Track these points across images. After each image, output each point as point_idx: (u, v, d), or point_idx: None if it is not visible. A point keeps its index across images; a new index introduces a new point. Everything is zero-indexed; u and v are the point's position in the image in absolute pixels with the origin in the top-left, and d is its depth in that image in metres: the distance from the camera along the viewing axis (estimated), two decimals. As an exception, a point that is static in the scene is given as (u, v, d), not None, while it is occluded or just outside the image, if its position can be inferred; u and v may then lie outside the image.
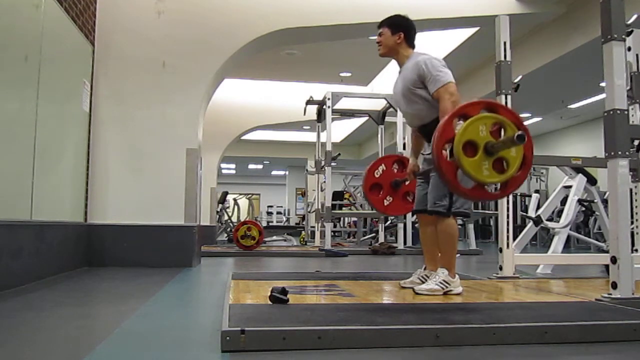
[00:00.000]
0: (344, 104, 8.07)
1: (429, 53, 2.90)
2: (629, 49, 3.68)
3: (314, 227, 9.64)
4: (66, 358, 1.63)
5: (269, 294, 2.25)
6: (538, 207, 5.32)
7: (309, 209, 12.21)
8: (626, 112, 2.56)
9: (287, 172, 22.00)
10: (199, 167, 4.82)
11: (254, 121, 11.07)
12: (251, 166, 22.30)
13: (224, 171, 20.83)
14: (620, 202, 2.52)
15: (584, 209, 5.87)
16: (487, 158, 2.21)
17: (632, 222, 3.61)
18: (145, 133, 4.63)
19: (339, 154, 8.74)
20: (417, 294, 2.68)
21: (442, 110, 2.69)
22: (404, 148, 7.40)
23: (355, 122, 13.30)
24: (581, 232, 8.71)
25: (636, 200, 3.71)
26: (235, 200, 12.51)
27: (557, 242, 4.59)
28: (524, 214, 5.55)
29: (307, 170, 13.32)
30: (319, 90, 9.07)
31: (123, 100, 4.64)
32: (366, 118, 9.29)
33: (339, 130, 14.18)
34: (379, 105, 8.65)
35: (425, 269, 2.96)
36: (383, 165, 3.41)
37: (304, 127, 13.34)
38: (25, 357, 1.60)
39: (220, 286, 3.19)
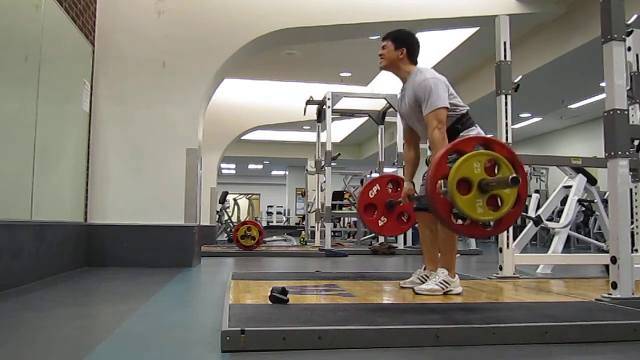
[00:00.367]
0: (344, 104, 8.06)
1: (428, 69, 2.88)
2: (629, 49, 3.68)
3: (314, 227, 9.64)
4: (66, 358, 1.63)
5: (269, 294, 2.25)
6: (538, 207, 5.32)
7: (309, 209, 12.21)
8: (626, 112, 2.56)
9: (287, 172, 22.00)
10: (199, 167, 4.82)
11: (254, 121, 11.07)
12: (251, 166, 22.30)
13: (224, 171, 20.84)
14: (620, 202, 2.52)
15: (584, 209, 5.86)
16: (481, 195, 2.20)
17: (632, 222, 3.61)
18: (145, 133, 4.63)
19: (339, 154, 8.74)
20: (417, 294, 2.68)
21: (430, 138, 2.72)
22: (404, 148, 7.39)
23: (355, 122, 13.30)
24: (581, 232, 8.71)
25: (636, 200, 3.71)
26: (235, 200, 12.51)
27: (557, 242, 4.59)
28: (524, 214, 5.54)
29: (307, 170, 13.32)
30: (319, 90, 9.07)
31: (123, 100, 4.64)
32: (366, 118, 9.29)
33: (339, 130, 14.18)
34: (379, 105, 8.65)
35: (425, 269, 2.96)
36: (377, 185, 3.42)
37: (304, 127, 13.34)
38: (25, 357, 1.60)
39: (220, 286, 3.19)
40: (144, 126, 4.63)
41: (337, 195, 11.33)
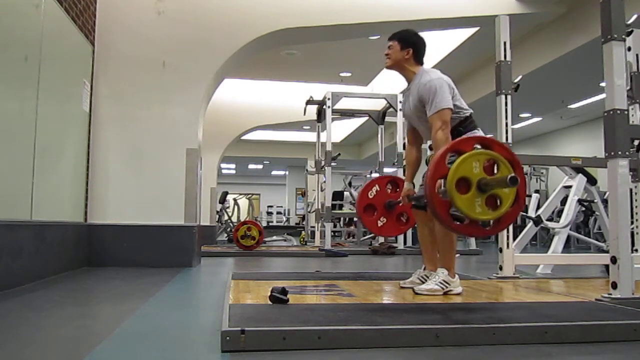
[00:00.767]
0: (344, 104, 8.06)
1: (434, 70, 2.88)
2: (629, 49, 3.68)
3: (314, 227, 9.64)
4: (66, 358, 1.63)
5: (269, 294, 2.25)
6: (538, 207, 5.32)
7: (309, 209, 12.21)
8: (626, 112, 2.56)
9: (287, 172, 22.00)
10: (199, 167, 4.82)
11: (254, 121, 11.07)
12: (251, 166, 22.30)
13: (224, 171, 20.84)
14: (620, 202, 2.52)
15: (584, 209, 5.86)
16: (480, 195, 2.21)
17: (632, 222, 3.61)
18: (145, 133, 4.63)
19: (339, 154, 8.74)
20: (417, 294, 2.68)
21: (433, 139, 2.72)
22: (404, 148, 7.40)
23: (355, 122, 13.30)
24: (581, 232, 8.71)
25: (636, 200, 3.71)
26: (235, 200, 12.51)
27: (557, 242, 4.59)
28: (524, 214, 5.54)
29: (307, 170, 13.32)
30: (319, 90, 9.07)
31: (123, 100, 4.64)
32: (366, 118, 9.29)
33: (339, 130, 14.17)
34: (379, 105, 8.65)
35: (424, 269, 2.97)
36: (377, 186, 3.42)
37: (304, 127, 13.34)
38: (25, 357, 1.59)
39: (220, 286, 3.19)
40: (144, 126, 4.63)
41: (337, 195, 11.33)
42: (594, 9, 4.22)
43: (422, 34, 2.99)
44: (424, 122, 2.83)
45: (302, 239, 10.51)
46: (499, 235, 3.79)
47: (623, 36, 2.57)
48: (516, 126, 11.69)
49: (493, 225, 2.33)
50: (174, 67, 4.72)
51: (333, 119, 7.93)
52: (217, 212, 11.09)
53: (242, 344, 1.61)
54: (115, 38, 4.66)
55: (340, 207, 11.50)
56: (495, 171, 2.27)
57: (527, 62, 7.51)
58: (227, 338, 1.62)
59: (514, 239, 3.92)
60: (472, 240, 7.81)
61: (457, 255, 2.93)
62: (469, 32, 7.48)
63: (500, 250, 3.70)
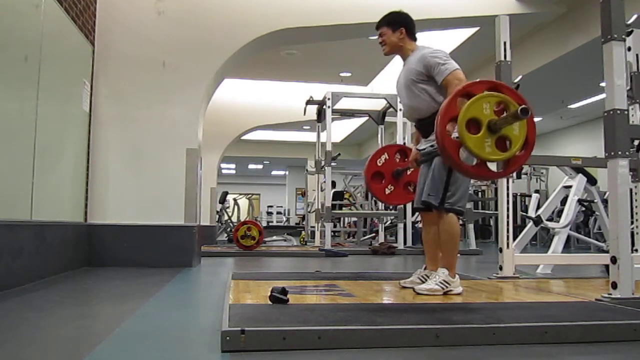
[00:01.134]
0: (344, 104, 8.06)
1: (432, 46, 2.91)
2: (629, 49, 3.68)
3: (314, 227, 9.64)
4: (66, 358, 1.63)
5: (269, 294, 2.25)
6: (538, 207, 5.32)
7: (309, 209, 12.21)
8: (626, 112, 2.56)
9: (287, 172, 22.00)
10: (199, 167, 4.82)
11: (254, 121, 11.07)
12: (251, 166, 22.30)
13: (224, 171, 20.84)
14: (620, 202, 2.52)
15: (584, 209, 5.86)
16: (490, 136, 2.22)
17: (632, 222, 3.61)
18: (145, 133, 4.63)
19: (339, 154, 8.74)
20: (417, 293, 2.68)
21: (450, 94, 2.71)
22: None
23: (355, 122, 13.30)
24: (581, 232, 8.71)
25: (636, 200, 3.71)
26: (235, 200, 12.51)
27: (557, 242, 4.59)
28: (524, 214, 5.55)
29: (307, 170, 13.31)
30: (319, 90, 9.07)
31: (123, 100, 4.64)
32: (366, 118, 9.28)
33: (339, 130, 14.18)
34: (379, 105, 8.65)
35: (425, 268, 2.97)
36: (386, 154, 3.41)
37: (304, 127, 13.34)
38: (25, 357, 1.59)
39: (220, 286, 3.19)
40: (144, 126, 4.63)
41: (337, 195, 11.33)
42: (594, 9, 4.22)
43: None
44: (414, 97, 2.84)
45: (302, 239, 10.52)
46: (499, 236, 3.79)
47: (623, 36, 2.57)
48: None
49: (502, 166, 2.34)
50: (174, 67, 4.72)
51: (333, 119, 7.93)
52: (217, 212, 11.09)
53: (242, 344, 1.61)
54: (115, 38, 4.66)
55: (341, 207, 11.50)
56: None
57: (527, 62, 7.51)
58: (227, 338, 1.62)
59: (514, 239, 3.92)
60: (472, 240, 7.82)
61: (458, 255, 2.93)
62: (469, 32, 7.48)
63: (500, 250, 3.70)
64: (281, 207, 22.52)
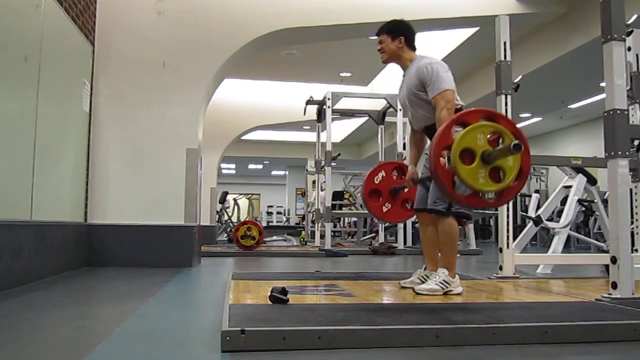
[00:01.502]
0: (344, 104, 8.06)
1: (431, 56, 2.91)
2: (629, 49, 3.68)
3: (314, 227, 9.64)
4: (66, 358, 1.63)
5: (269, 294, 2.25)
6: (538, 207, 5.32)
7: (309, 209, 12.21)
8: (626, 112, 2.56)
9: (287, 172, 22.00)
10: (199, 167, 4.82)
11: (254, 121, 11.07)
12: (251, 166, 22.29)
13: (224, 171, 20.83)
14: (620, 202, 2.52)
15: (584, 209, 5.86)
16: (483, 166, 2.21)
17: (632, 222, 3.61)
18: (145, 133, 4.63)
19: (339, 154, 8.74)
20: (417, 294, 2.68)
21: (437, 118, 2.72)
22: (404, 148, 7.40)
23: (355, 122, 13.30)
24: (581, 232, 8.71)
25: (636, 200, 3.71)
26: (235, 200, 12.51)
27: (557, 242, 4.59)
28: (524, 214, 5.55)
29: (307, 170, 13.31)
30: (319, 90, 9.07)
31: (123, 100, 4.64)
32: (366, 118, 9.29)
33: (339, 130, 14.17)
34: (379, 105, 8.65)
35: (425, 269, 2.97)
36: (383, 171, 3.42)
37: (304, 127, 13.33)
38: (25, 357, 1.59)
39: (220, 286, 3.19)
40: (144, 126, 4.63)
41: (337, 195, 11.32)
42: (594, 9, 4.22)
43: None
44: (418, 108, 2.84)
45: (302, 239, 10.52)
46: (499, 236, 3.79)
47: (623, 36, 2.57)
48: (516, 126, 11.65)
49: (496, 197, 2.34)
50: (174, 67, 4.72)
51: (333, 119, 7.93)
52: (217, 212, 11.09)
53: (242, 344, 1.61)
54: (115, 38, 4.66)
55: (340, 207, 11.49)
56: (500, 144, 2.27)
57: (527, 62, 7.51)
58: (227, 338, 1.62)
59: (514, 239, 3.92)
60: (472, 240, 7.82)
61: (458, 255, 2.93)
62: (469, 32, 7.48)
63: (500, 250, 3.70)
64: (281, 207, 22.52)
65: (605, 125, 2.58)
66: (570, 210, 4.76)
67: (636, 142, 3.57)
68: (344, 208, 11.69)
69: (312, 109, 8.70)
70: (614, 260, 2.50)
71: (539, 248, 9.07)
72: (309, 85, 10.04)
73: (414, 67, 2.87)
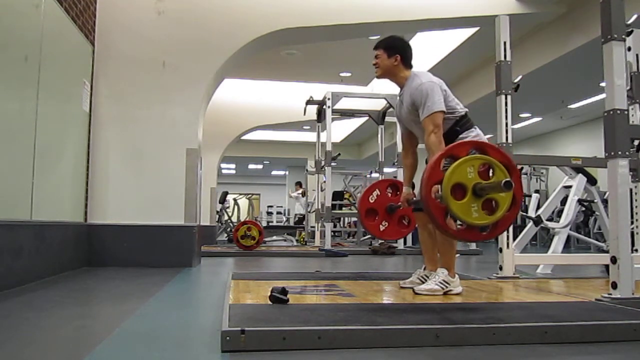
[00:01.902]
0: (344, 104, 8.07)
1: (424, 73, 2.88)
2: (629, 49, 3.68)
3: (314, 227, 9.64)
4: (66, 358, 1.63)
5: (269, 294, 2.25)
6: (538, 207, 5.32)
7: (309, 209, 12.21)
8: (626, 112, 2.56)
9: (287, 172, 21.99)
10: (199, 167, 4.82)
11: (254, 121, 11.07)
12: (251, 166, 22.29)
13: (224, 171, 20.83)
14: (620, 202, 2.52)
15: (584, 209, 5.86)
16: (475, 200, 2.20)
17: (632, 222, 3.61)
18: (145, 133, 4.63)
19: (339, 154, 8.74)
20: (417, 294, 2.68)
21: (425, 143, 2.74)
22: (402, 154, 7.39)
23: (355, 122, 13.30)
24: (581, 232, 8.71)
25: (636, 200, 3.71)
26: (235, 200, 12.51)
27: (557, 242, 4.59)
28: (524, 214, 5.55)
29: (307, 170, 13.31)
30: (319, 90, 9.07)
31: (123, 100, 4.64)
32: (366, 118, 9.29)
33: (339, 130, 14.18)
34: (379, 105, 8.65)
35: (425, 269, 2.97)
36: (377, 190, 3.42)
37: (304, 127, 13.33)
38: (25, 357, 1.59)
39: (220, 286, 3.19)
40: (144, 126, 4.63)
41: (337, 195, 11.33)
42: (594, 9, 4.22)
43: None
44: (418, 124, 2.83)
45: (302, 239, 10.52)
46: (499, 236, 3.78)
47: (623, 36, 2.57)
48: (516, 126, 11.69)
49: (490, 229, 2.33)
50: (174, 67, 4.72)
51: (333, 119, 7.93)
52: (217, 212, 11.09)
53: (242, 344, 1.61)
54: (115, 38, 4.66)
55: (340, 207, 11.49)
56: (491, 175, 2.26)
57: (527, 62, 7.51)
58: (227, 338, 1.62)
59: (514, 239, 3.92)
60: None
61: (457, 255, 2.93)
62: (469, 32, 7.48)
63: (500, 250, 3.70)
64: (281, 207, 22.51)
65: (605, 125, 2.58)
66: (570, 210, 4.76)
67: (636, 142, 3.57)
68: (344, 208, 11.68)
69: (312, 109, 8.71)
70: (614, 260, 2.50)
71: (539, 248, 9.07)
72: (309, 85, 10.04)
73: (407, 87, 2.86)
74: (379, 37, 3.17)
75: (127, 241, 4.42)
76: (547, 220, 4.87)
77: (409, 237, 7.77)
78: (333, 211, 8.00)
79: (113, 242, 4.41)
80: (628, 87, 3.62)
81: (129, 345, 1.74)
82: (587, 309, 2.29)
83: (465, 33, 7.54)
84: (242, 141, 12.62)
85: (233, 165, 21.81)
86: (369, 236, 10.04)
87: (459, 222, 2.32)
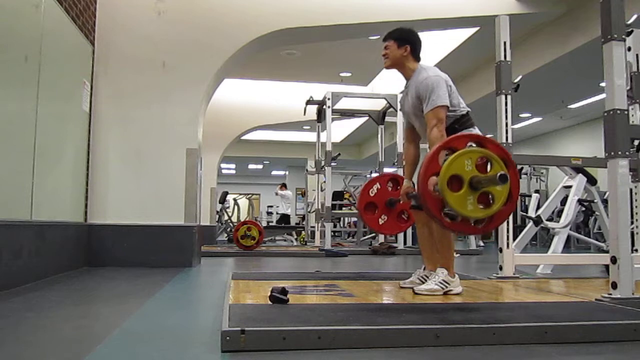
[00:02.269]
0: (344, 104, 8.07)
1: (431, 67, 2.89)
2: (629, 49, 3.68)
3: (314, 227, 9.64)
4: (66, 358, 1.63)
5: (269, 294, 2.25)
6: (538, 207, 5.32)
7: (309, 209, 12.21)
8: (626, 112, 2.56)
9: (287, 172, 21.99)
10: (199, 167, 4.82)
11: (254, 121, 11.08)
12: (251, 166, 22.29)
13: (224, 171, 20.83)
14: (620, 202, 2.52)
15: (584, 209, 5.86)
16: (472, 193, 2.20)
17: (632, 222, 3.61)
18: (145, 133, 4.63)
19: (339, 154, 8.75)
20: (417, 294, 2.68)
21: (427, 136, 2.74)
22: (404, 146, 7.39)
23: (355, 122, 13.30)
24: (581, 232, 8.71)
25: (636, 200, 3.71)
26: (235, 200, 12.51)
27: (557, 242, 4.59)
28: (524, 214, 5.56)
29: (307, 170, 13.31)
30: (319, 90, 9.07)
31: (123, 100, 4.64)
32: (366, 118, 9.30)
33: (339, 130, 14.17)
34: (379, 105, 8.65)
35: (424, 269, 2.96)
36: (378, 184, 3.42)
37: (304, 127, 13.33)
38: (25, 357, 1.59)
39: (220, 286, 3.19)
40: (144, 126, 4.64)
41: (337, 195, 11.33)
42: (594, 9, 4.22)
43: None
44: (421, 118, 2.84)
45: (301, 239, 10.51)
46: (499, 236, 3.79)
47: (623, 36, 2.57)
48: (516, 126, 11.69)
49: (485, 223, 2.33)
50: (174, 67, 4.72)
51: (333, 119, 7.93)
52: (217, 212, 11.09)
53: (242, 344, 1.61)
54: (115, 38, 4.66)
55: (340, 207, 11.49)
56: (489, 169, 2.27)
57: (527, 62, 7.51)
58: (227, 338, 1.62)
59: (514, 239, 3.92)
60: (472, 240, 7.82)
61: (457, 255, 2.93)
62: (469, 32, 7.48)
63: (500, 250, 3.70)
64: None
65: (605, 125, 2.58)
66: (570, 210, 4.76)
67: (636, 142, 3.57)
68: (344, 208, 11.68)
69: (312, 109, 8.71)
70: (614, 260, 2.50)
71: (539, 248, 9.07)
72: (309, 85, 10.04)
73: (414, 80, 2.87)
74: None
75: (127, 241, 4.42)
76: (547, 220, 4.87)
77: (409, 237, 7.77)
78: (333, 211, 8.00)
79: (113, 242, 4.41)
80: (628, 87, 3.62)
81: (129, 345, 1.74)
82: (587, 309, 2.29)
83: (466, 33, 7.55)
84: (242, 141, 12.62)
85: (233, 165, 21.81)
86: (369, 236, 10.05)
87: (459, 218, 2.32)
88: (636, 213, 3.69)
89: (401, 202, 3.18)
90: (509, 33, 3.74)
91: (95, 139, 4.54)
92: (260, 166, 22.25)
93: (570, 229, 4.99)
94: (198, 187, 4.77)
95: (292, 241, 10.80)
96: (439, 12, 5.70)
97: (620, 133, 2.53)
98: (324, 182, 8.12)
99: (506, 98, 3.69)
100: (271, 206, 22.62)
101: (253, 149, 16.35)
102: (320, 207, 8.56)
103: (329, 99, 7.66)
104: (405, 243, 7.59)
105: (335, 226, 11.53)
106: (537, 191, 11.02)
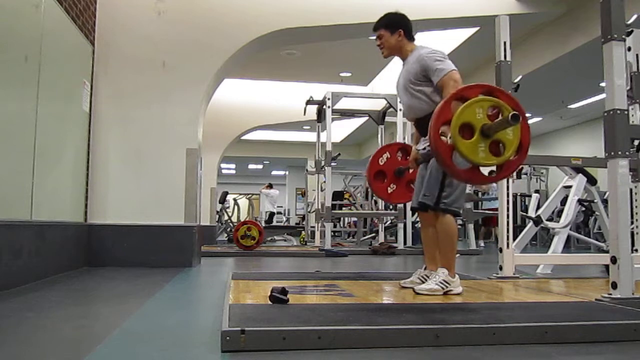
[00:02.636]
0: (344, 104, 8.07)
1: (430, 46, 2.91)
2: (629, 49, 3.68)
3: (314, 227, 9.64)
4: (66, 358, 1.63)
5: (269, 294, 2.25)
6: (538, 207, 5.32)
7: (309, 209, 12.21)
8: (626, 112, 2.56)
9: (287, 172, 22.00)
10: (199, 167, 4.82)
11: (254, 121, 11.08)
12: (251, 166, 22.29)
13: (224, 171, 20.83)
14: (620, 202, 2.52)
15: (584, 209, 5.86)
16: (483, 140, 2.22)
17: (632, 222, 3.61)
18: (145, 133, 4.63)
19: (339, 154, 8.74)
20: (417, 294, 2.68)
21: (445, 96, 2.71)
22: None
23: (355, 122, 13.30)
24: (581, 232, 8.71)
25: (636, 200, 3.71)
26: (235, 200, 12.51)
27: (557, 242, 4.59)
28: (524, 214, 5.55)
29: (307, 170, 13.32)
30: (319, 90, 9.07)
31: (123, 100, 4.64)
32: (366, 118, 9.29)
33: (339, 130, 14.17)
34: (379, 105, 8.65)
35: (425, 268, 2.97)
36: (387, 153, 3.42)
37: (304, 127, 13.34)
38: (25, 357, 1.59)
39: (220, 286, 3.19)
40: (144, 126, 4.64)
41: (337, 195, 11.33)
42: (594, 9, 4.22)
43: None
44: (413, 97, 2.85)
45: (302, 239, 10.52)
46: (499, 236, 3.79)
47: (623, 36, 2.57)
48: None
49: (495, 172, 2.34)
50: (174, 67, 4.72)
51: (333, 119, 7.93)
52: (217, 212, 11.09)
53: (242, 344, 1.61)
54: (115, 38, 4.66)
55: (340, 207, 11.49)
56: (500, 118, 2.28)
57: (527, 62, 7.51)
58: (227, 338, 1.62)
59: (514, 239, 3.92)
60: (472, 240, 7.82)
61: (458, 255, 2.93)
62: (469, 32, 7.48)
63: (500, 250, 3.70)
64: (281, 207, 22.50)
65: (605, 125, 2.58)
66: (570, 210, 4.76)
67: (636, 142, 3.57)
68: (344, 208, 11.68)
69: (312, 109, 8.71)
70: (614, 260, 2.50)
71: (539, 248, 9.07)
72: (309, 85, 10.04)
73: (413, 56, 2.88)
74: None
75: (127, 241, 4.42)
76: (547, 220, 4.87)
77: (409, 237, 7.77)
78: (333, 211, 8.00)
79: (113, 242, 4.41)
80: (628, 87, 3.62)
81: (129, 345, 1.74)
82: (587, 309, 2.29)
83: (465, 33, 7.55)
84: (242, 141, 12.62)
85: (233, 165, 21.81)
86: (369, 236, 10.06)
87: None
88: (636, 213, 3.69)
89: (410, 170, 3.18)
90: (509, 33, 3.75)
91: (95, 139, 4.54)
92: (260, 166, 22.26)
93: (570, 229, 4.99)
94: (198, 187, 4.77)
95: (292, 241, 10.80)
96: (439, 12, 5.70)
97: (620, 133, 2.53)
98: (324, 182, 8.12)
99: (506, 98, 3.68)
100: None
101: (253, 149, 16.35)
102: (320, 207, 8.56)
103: (329, 99, 7.66)
104: (405, 243, 7.59)
105: (335, 226, 11.52)
106: (537, 191, 11.03)
